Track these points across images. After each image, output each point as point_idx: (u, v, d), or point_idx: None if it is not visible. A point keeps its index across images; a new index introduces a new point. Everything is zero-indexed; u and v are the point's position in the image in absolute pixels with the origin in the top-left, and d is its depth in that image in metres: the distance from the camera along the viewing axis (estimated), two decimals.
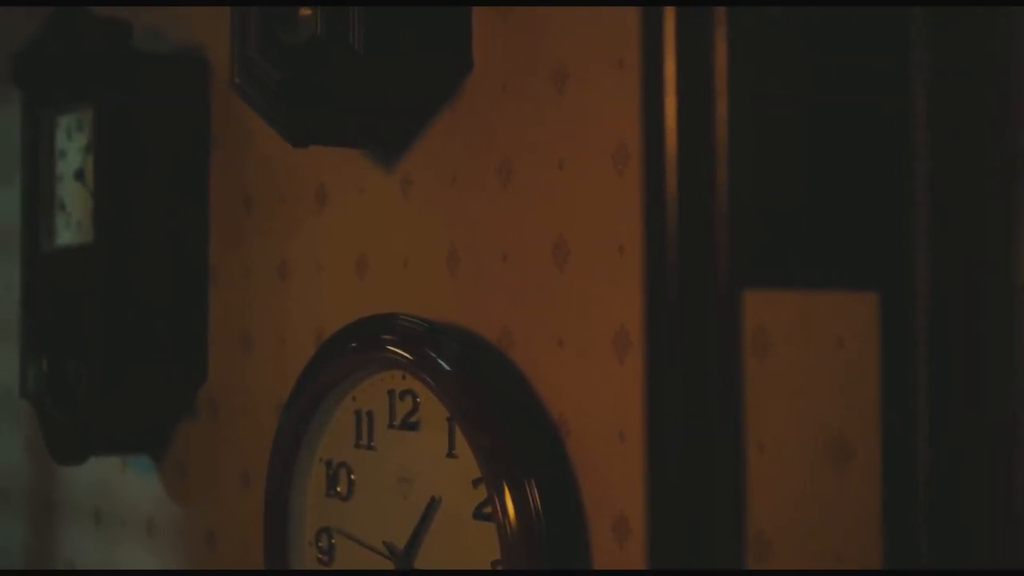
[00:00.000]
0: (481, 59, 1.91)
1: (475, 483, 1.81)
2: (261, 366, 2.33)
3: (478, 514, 1.81)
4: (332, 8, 1.86)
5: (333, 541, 2.06)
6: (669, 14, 1.12)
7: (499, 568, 1.75)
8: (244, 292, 2.36)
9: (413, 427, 1.92)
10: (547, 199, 1.80)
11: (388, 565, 1.94)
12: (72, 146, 2.54)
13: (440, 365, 1.84)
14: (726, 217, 1.13)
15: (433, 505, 1.89)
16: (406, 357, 1.89)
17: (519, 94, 1.85)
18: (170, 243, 2.42)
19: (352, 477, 2.03)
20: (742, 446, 1.15)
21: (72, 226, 2.54)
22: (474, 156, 1.91)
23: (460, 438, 1.83)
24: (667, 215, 1.14)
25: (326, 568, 2.06)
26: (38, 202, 2.61)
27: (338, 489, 2.05)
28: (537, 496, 1.73)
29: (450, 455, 1.86)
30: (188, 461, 2.51)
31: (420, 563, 1.90)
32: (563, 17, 1.79)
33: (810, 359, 1.48)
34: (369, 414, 2.00)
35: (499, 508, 1.73)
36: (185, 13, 2.52)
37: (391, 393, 1.96)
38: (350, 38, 1.85)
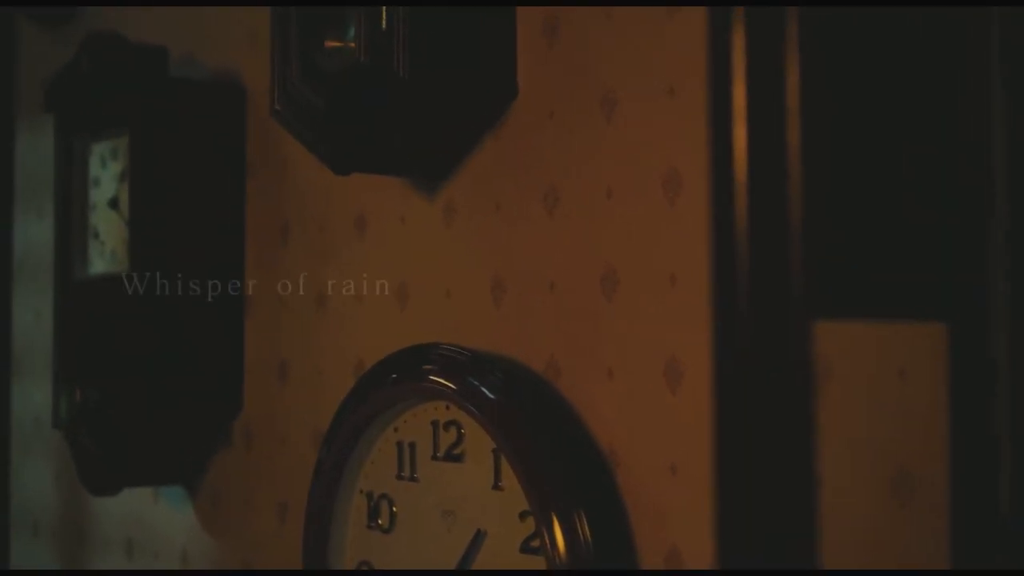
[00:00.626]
0: (527, 85, 1.88)
1: (522, 516, 1.78)
2: (298, 396, 2.30)
3: (526, 547, 1.78)
4: (375, 33, 1.83)
5: None
6: (738, 25, 1.09)
7: None
8: (281, 321, 2.34)
9: (457, 459, 1.89)
10: (595, 227, 1.77)
11: None
12: (106, 174, 2.52)
13: (485, 395, 1.82)
14: (799, 247, 1.10)
15: (478, 538, 1.85)
16: (449, 387, 1.86)
17: (566, 121, 1.82)
18: (205, 271, 2.39)
19: (394, 509, 2.00)
20: (815, 483, 1.11)
21: (106, 255, 2.52)
22: (519, 184, 1.89)
23: (506, 470, 1.80)
24: (737, 247, 1.11)
25: None
26: (71, 231, 2.58)
27: (379, 521, 2.01)
28: (587, 529, 1.70)
29: (496, 487, 1.83)
30: (223, 492, 2.48)
31: None
32: (611, 42, 1.76)
33: (871, 390, 1.45)
34: (412, 445, 1.97)
35: (548, 541, 1.70)
36: (221, 39, 2.50)
37: (435, 424, 1.93)
38: (394, 63, 1.83)
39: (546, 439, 1.76)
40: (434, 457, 1.93)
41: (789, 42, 1.10)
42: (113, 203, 2.48)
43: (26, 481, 3.19)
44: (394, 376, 1.97)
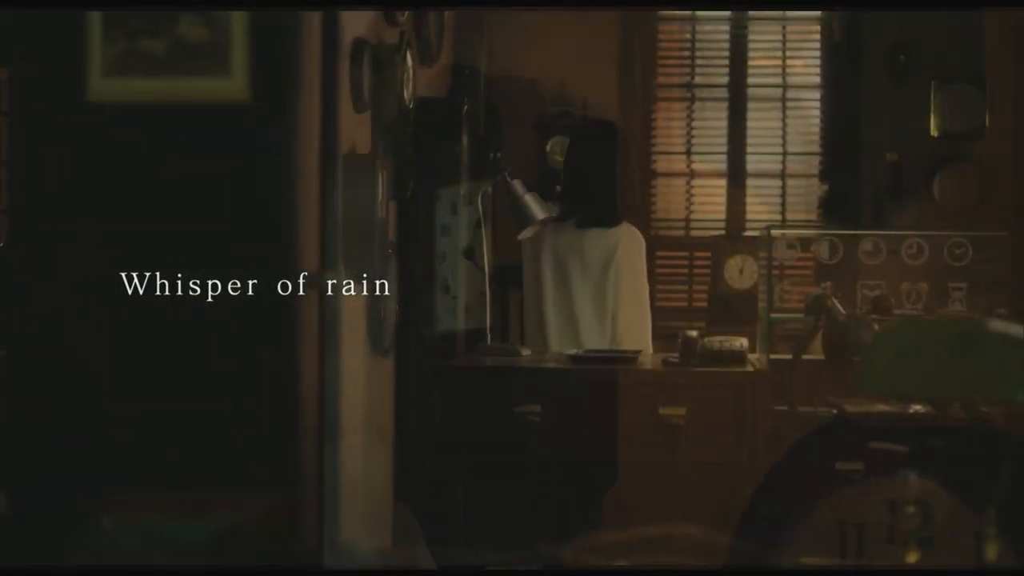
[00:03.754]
0: None
1: None
2: (690, 467, 2.06)
3: None
4: None
5: None
6: None
7: None
8: (665, 382, 2.11)
9: (927, 544, 1.64)
10: None
11: None
12: (458, 221, 2.31)
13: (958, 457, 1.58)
14: None
15: None
16: (898, 451, 1.63)
17: None
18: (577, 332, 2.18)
19: None
20: None
21: (459, 310, 2.31)
22: None
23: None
24: None
25: None
26: (415, 284, 2.37)
27: None
28: None
29: None
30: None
31: None
32: None
33: None
34: (859, 527, 1.72)
35: None
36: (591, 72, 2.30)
37: (891, 504, 1.68)
38: None
39: None
40: (889, 541, 1.68)
41: None
42: (468, 253, 2.27)
43: (346, 551, 3.00)
44: (815, 457, 1.75)
